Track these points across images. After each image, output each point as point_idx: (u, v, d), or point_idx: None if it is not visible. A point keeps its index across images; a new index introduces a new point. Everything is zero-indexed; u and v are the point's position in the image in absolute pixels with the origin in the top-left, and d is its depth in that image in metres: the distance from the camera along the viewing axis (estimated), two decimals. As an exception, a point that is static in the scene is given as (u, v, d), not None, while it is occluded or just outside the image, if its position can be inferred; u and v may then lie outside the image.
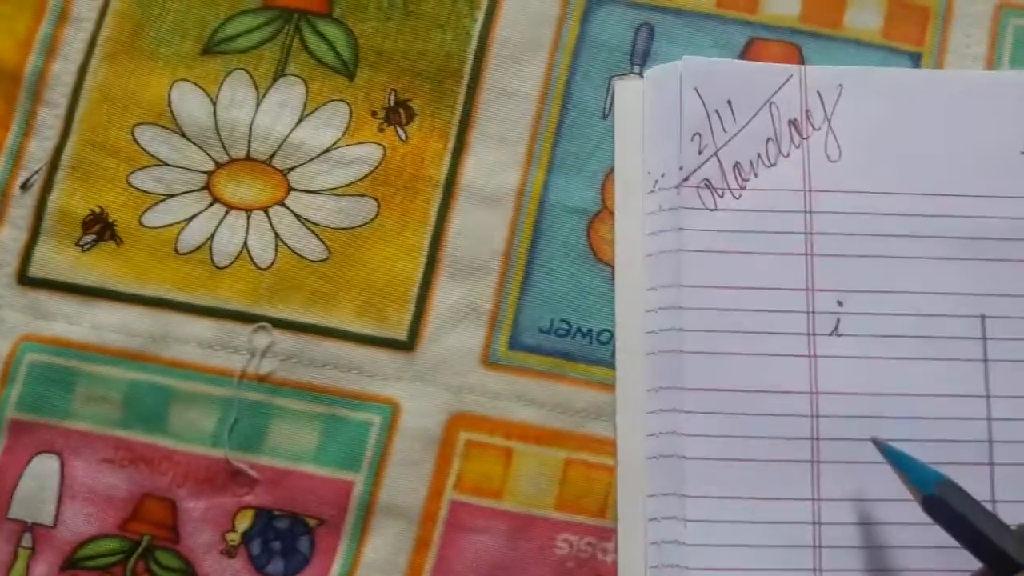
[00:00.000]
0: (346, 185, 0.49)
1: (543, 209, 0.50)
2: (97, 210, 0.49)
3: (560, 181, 0.50)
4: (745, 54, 0.51)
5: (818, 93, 0.50)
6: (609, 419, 0.48)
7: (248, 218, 0.49)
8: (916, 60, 0.51)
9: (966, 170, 0.49)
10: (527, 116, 0.51)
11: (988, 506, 0.45)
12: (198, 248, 0.49)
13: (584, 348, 0.48)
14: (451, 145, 0.50)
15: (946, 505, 0.42)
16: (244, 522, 0.48)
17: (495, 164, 0.50)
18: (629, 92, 0.51)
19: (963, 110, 0.50)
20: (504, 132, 0.50)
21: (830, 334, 0.48)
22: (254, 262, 0.49)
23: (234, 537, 0.48)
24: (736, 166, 0.49)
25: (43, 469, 0.48)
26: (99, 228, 0.49)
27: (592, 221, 0.49)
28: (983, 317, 0.48)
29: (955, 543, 0.42)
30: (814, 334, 0.48)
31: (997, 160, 0.49)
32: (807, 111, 0.50)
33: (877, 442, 0.45)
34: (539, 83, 0.51)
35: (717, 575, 0.46)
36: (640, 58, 0.51)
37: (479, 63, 0.51)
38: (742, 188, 0.49)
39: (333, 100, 0.50)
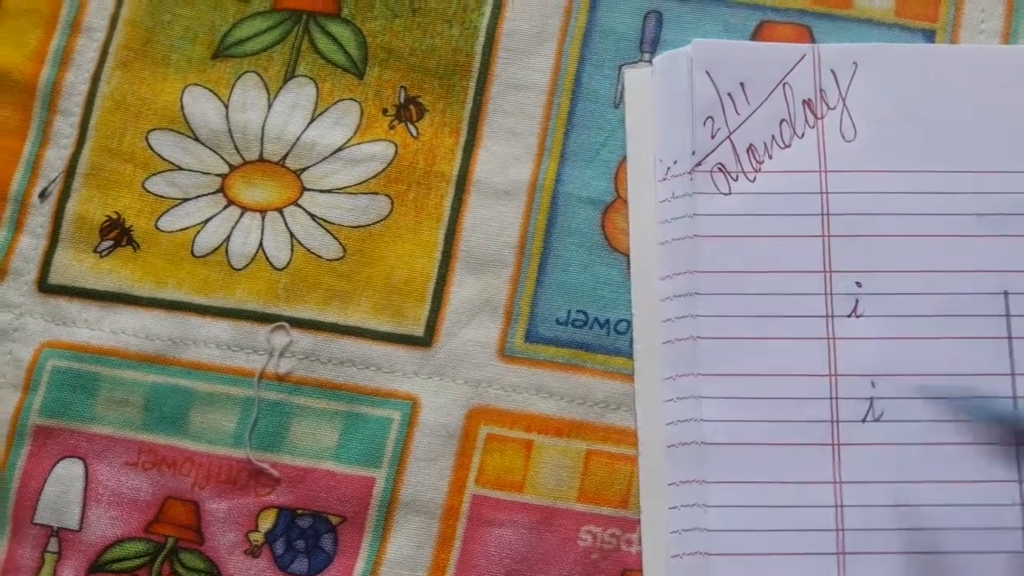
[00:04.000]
0: (359, 183, 0.52)
1: (557, 201, 0.53)
2: (114, 216, 0.53)
3: (573, 172, 0.53)
4: (755, 38, 0.54)
5: (832, 72, 0.52)
6: (629, 409, 0.51)
7: (263, 219, 0.52)
8: (930, 37, 0.54)
9: (986, 145, 0.51)
10: (538, 108, 0.54)
11: (1015, 484, 0.48)
12: (214, 251, 0.52)
13: (602, 338, 0.51)
14: (462, 140, 0.53)
15: None
16: (267, 522, 0.51)
17: (507, 157, 0.53)
18: (639, 80, 0.53)
19: (982, 84, 0.52)
20: (515, 125, 0.53)
21: (849, 315, 0.50)
22: (270, 263, 0.52)
23: (258, 537, 0.50)
24: (750, 149, 0.51)
25: (68, 474, 0.51)
26: (116, 234, 0.52)
27: (606, 211, 0.52)
28: (1007, 294, 0.50)
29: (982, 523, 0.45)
30: (832, 316, 0.50)
31: (1018, 133, 0.51)
32: (821, 91, 0.52)
33: (948, 405, 0.47)
34: (549, 74, 0.54)
35: (739, 560, 0.48)
36: (650, 45, 0.54)
37: (487, 57, 0.54)
38: (757, 171, 0.51)
39: (344, 99, 0.53)
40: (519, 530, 0.50)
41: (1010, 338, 0.49)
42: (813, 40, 0.53)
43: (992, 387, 0.49)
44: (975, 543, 0.48)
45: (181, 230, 0.52)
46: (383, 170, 0.52)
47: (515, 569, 0.50)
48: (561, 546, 0.50)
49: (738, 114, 0.51)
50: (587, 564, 0.49)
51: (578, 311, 0.51)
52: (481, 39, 0.54)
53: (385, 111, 0.53)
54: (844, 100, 0.52)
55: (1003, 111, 0.51)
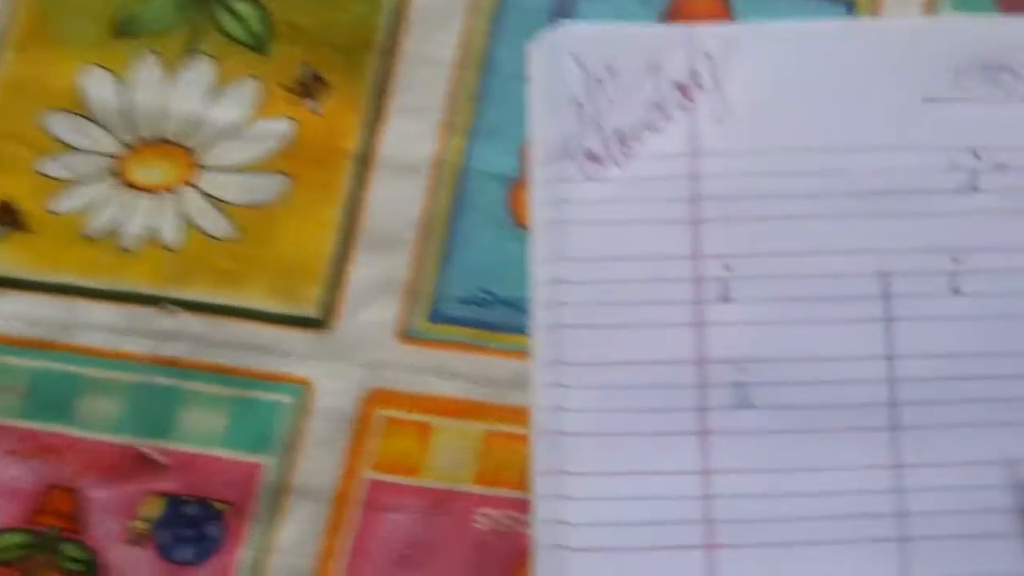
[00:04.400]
0: (256, 161, 0.51)
1: (462, 177, 0.51)
2: (5, 200, 0.51)
3: (480, 148, 0.51)
4: (671, 9, 0.52)
5: (705, 53, 0.50)
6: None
7: (158, 200, 0.51)
8: (850, 8, 0.52)
9: (864, 122, 0.49)
10: (444, 84, 0.52)
11: (892, 470, 0.46)
12: (106, 232, 0.51)
13: (507, 317, 0.49)
14: (366, 117, 0.52)
15: None
16: (152, 509, 0.49)
17: (412, 134, 0.51)
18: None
19: (860, 61, 0.50)
20: (421, 101, 0.52)
21: (718, 301, 0.48)
22: (163, 244, 0.50)
23: (141, 525, 0.48)
24: (619, 134, 0.50)
25: (-55, 463, 0.48)
26: (7, 218, 0.50)
27: (513, 188, 0.51)
28: (883, 274, 0.48)
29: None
30: (702, 301, 0.48)
31: (898, 110, 0.49)
32: (694, 72, 0.50)
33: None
34: (456, 49, 0.52)
35: (601, 555, 0.46)
36: (562, 18, 0.52)
37: (393, 32, 0.52)
38: (626, 157, 0.49)
39: (245, 77, 0.52)
40: (413, 514, 0.48)
41: (887, 320, 0.47)
42: (731, 13, 0.52)
43: (868, 372, 0.47)
44: (847, 532, 0.46)
45: (73, 212, 0.51)
46: (282, 148, 0.51)
47: (408, 554, 0.47)
48: (456, 529, 0.48)
49: (607, 99, 0.50)
50: (483, 546, 0.47)
51: (483, 290, 0.49)
52: (387, 14, 0.53)
53: (287, 88, 0.52)
54: (717, 81, 0.50)
55: (882, 86, 0.50)
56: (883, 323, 0.47)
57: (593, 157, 0.49)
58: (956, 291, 0.47)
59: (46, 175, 0.52)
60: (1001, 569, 0.45)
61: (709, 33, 0.51)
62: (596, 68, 0.50)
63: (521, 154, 0.51)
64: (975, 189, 0.48)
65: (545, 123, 0.50)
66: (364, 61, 0.53)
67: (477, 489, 0.48)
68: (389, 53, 0.52)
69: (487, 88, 0.52)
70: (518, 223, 0.50)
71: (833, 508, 0.46)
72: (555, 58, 0.51)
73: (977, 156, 0.48)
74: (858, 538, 0.46)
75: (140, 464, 0.49)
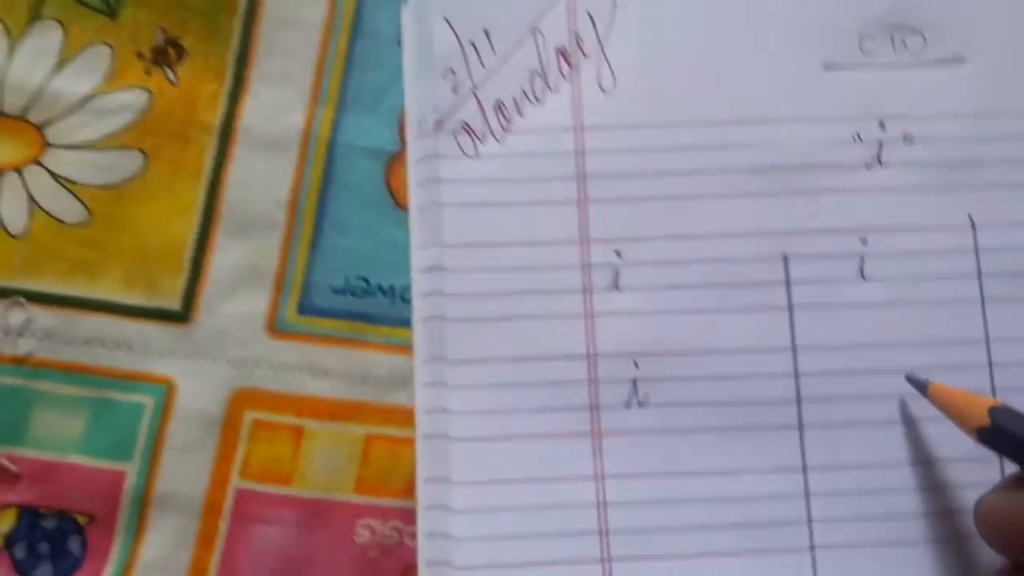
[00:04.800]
0: (108, 137, 0.47)
1: (333, 152, 0.48)
2: None
3: (352, 120, 0.48)
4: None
5: (588, 14, 0.46)
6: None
7: (0, 181, 0.46)
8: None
9: (762, 92, 0.46)
10: (312, 48, 0.48)
11: (798, 473, 0.43)
12: (-56, 218, 0.46)
13: (386, 308, 0.46)
14: (227, 86, 0.48)
15: (1004, 431, 0.39)
16: (5, 523, 0.46)
17: (277, 104, 0.48)
18: (415, 17, 0.47)
19: (756, 24, 0.47)
20: (286, 67, 0.48)
21: (608, 289, 0.45)
22: (6, 230, 0.47)
23: (-6, 541, 0.44)
24: (498, 105, 0.46)
25: None
26: None
27: (391, 163, 0.47)
28: (786, 257, 0.45)
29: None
30: (590, 291, 0.45)
31: (797, 78, 0.46)
32: (577, 36, 0.46)
33: (912, 378, 0.43)
34: (324, 9, 0.49)
35: (489, 573, 0.43)
36: (438, -25, 0.47)
37: (256, -9, 0.47)
38: (506, 131, 0.46)
39: (94, 43, 0.48)
40: (286, 527, 0.45)
41: (790, 308, 0.44)
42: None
43: (770, 365, 0.44)
44: (756, 541, 0.43)
45: (-93, 196, 0.46)
46: (135, 121, 0.47)
47: (282, 569, 0.45)
48: (334, 543, 0.45)
49: (483, 66, 0.46)
50: (365, 561, 0.45)
51: (359, 277, 0.46)
52: (248, -29, 0.47)
53: (140, 55, 0.48)
54: (602, 47, 0.46)
55: (781, 51, 0.46)
56: (786, 312, 0.43)
57: (471, 131, 0.46)
58: (862, 275, 0.44)
59: None
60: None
61: None
62: (470, 31, 0.46)
63: (400, 126, 0.46)
64: (881, 163, 0.44)
65: (416, 93, 0.46)
66: (225, 24, 0.49)
67: (357, 498, 0.45)
68: (251, 14, 0.48)
69: (358, 52, 0.48)
70: (397, 203, 0.47)
71: (737, 515, 0.43)
72: (425, 20, 0.47)
73: (883, 127, 0.45)
74: (767, 548, 0.43)
75: (-11, 474, 0.44)
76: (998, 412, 0.39)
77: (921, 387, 0.42)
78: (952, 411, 0.40)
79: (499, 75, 0.46)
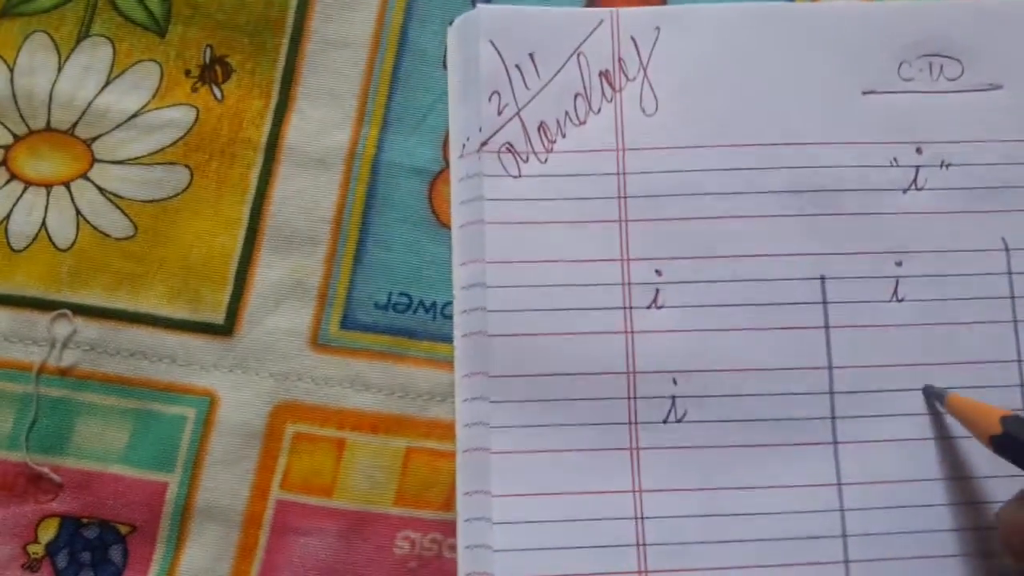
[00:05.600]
0: (155, 153, 0.48)
1: (378, 170, 0.48)
2: None
3: (396, 139, 0.48)
4: (599, -11, 0.48)
5: (632, 39, 0.47)
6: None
7: (48, 195, 0.47)
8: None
9: (800, 116, 0.47)
10: (358, 67, 0.49)
11: (833, 488, 0.44)
12: (-8, 231, 0.47)
13: (427, 324, 0.47)
14: (273, 103, 0.49)
15: (1016, 440, 0.40)
16: (48, 532, 0.46)
17: (323, 122, 0.48)
18: (460, 38, 0.48)
19: (796, 48, 0.48)
20: (333, 86, 0.49)
21: (648, 307, 0.45)
22: (53, 243, 0.47)
23: (37, 549, 0.46)
24: (541, 127, 0.47)
25: None
26: None
27: (433, 182, 0.48)
28: (823, 279, 0.45)
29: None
30: (630, 307, 0.45)
31: (835, 102, 0.47)
32: (620, 60, 0.47)
33: (930, 390, 0.44)
34: (371, 29, 0.50)
35: None
36: (482, -1, 0.48)
37: (303, 11, 0.50)
38: (548, 151, 0.47)
39: (143, 60, 0.49)
40: (327, 538, 0.45)
41: (826, 327, 0.45)
42: (660, -8, 0.48)
43: (806, 383, 0.45)
44: (791, 555, 0.44)
45: (-44, 208, 0.47)
46: (182, 138, 0.48)
47: (323, 582, 0.44)
48: (374, 554, 0.45)
49: (527, 88, 0.47)
50: (403, 573, 0.45)
51: (401, 294, 0.46)
52: (295, -8, 0.48)
53: (188, 72, 0.48)
54: (645, 70, 0.47)
55: (820, 76, 0.47)
56: (823, 331, 0.44)
57: (514, 151, 0.46)
58: (896, 296, 0.44)
59: (-74, 167, 0.47)
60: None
61: (635, 15, 0.48)
62: (516, 55, 0.47)
63: (443, 146, 0.47)
64: (917, 187, 0.45)
65: (461, 114, 0.47)
66: (271, 42, 0.50)
67: (397, 511, 0.46)
68: (298, 33, 0.49)
69: (403, 72, 0.49)
70: (440, 221, 0.47)
71: (773, 530, 0.44)
72: (471, 43, 0.48)
73: (919, 151, 0.45)
74: (802, 562, 0.44)
75: (34, 483, 0.46)
76: (1010, 421, 0.40)
77: (939, 397, 0.42)
78: (967, 420, 0.41)
79: (543, 97, 0.47)
